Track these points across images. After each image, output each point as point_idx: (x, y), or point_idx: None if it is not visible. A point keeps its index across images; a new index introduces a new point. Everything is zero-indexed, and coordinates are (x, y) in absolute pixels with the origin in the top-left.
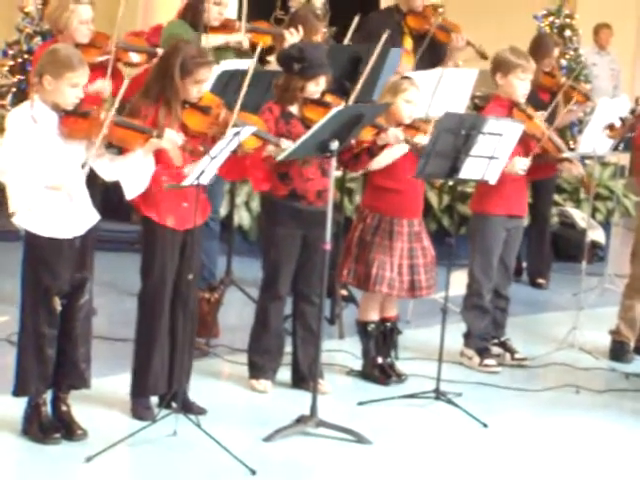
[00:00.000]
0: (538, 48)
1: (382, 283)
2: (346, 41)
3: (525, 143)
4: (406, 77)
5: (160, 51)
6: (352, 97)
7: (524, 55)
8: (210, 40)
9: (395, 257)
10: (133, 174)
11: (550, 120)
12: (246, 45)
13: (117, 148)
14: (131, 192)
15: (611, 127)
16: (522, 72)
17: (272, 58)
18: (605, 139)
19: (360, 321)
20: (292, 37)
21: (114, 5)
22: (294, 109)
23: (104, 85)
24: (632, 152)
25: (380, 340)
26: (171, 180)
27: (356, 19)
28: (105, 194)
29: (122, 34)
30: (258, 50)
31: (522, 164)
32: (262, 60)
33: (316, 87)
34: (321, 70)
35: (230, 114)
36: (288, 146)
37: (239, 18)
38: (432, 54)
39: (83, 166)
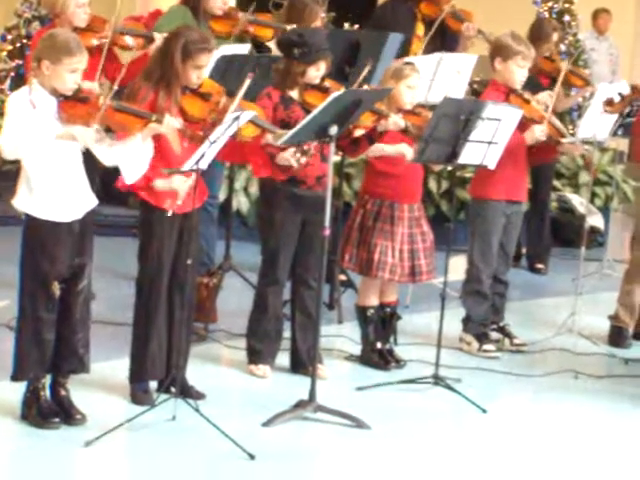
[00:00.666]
0: (537, 33)
1: (384, 269)
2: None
3: (525, 127)
4: (408, 62)
5: (157, 35)
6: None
7: (525, 42)
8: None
9: (397, 242)
10: (132, 159)
11: None
12: None
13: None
14: (130, 177)
15: (610, 102)
16: (522, 59)
17: (272, 44)
18: (605, 124)
19: (359, 306)
20: None
21: None
22: (294, 94)
23: (93, 86)
24: (631, 137)
25: (379, 325)
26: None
27: (346, 26)
28: (103, 178)
29: (121, 19)
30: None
31: (540, 130)
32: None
33: (317, 72)
34: (322, 55)
35: (230, 101)
36: (285, 134)
37: (239, 7)
38: (443, 41)
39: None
